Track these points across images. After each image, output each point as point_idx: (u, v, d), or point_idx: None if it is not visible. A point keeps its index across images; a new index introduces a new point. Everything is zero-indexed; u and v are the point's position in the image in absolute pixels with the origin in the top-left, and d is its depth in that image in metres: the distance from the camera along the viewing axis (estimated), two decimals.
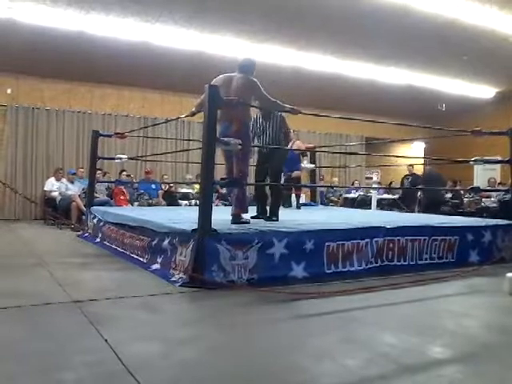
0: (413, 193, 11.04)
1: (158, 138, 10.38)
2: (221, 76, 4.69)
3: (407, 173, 11.58)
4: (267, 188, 5.69)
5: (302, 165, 7.91)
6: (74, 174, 9.38)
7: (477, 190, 7.13)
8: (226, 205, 8.83)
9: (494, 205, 9.31)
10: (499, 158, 6.74)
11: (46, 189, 9.35)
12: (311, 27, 7.80)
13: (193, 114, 5.14)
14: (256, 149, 5.72)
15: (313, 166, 8.43)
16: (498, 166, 11.55)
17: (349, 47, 8.79)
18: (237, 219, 4.63)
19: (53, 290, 3.50)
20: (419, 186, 10.23)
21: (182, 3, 6.95)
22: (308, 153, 8.23)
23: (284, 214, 5.86)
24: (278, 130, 5.44)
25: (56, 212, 8.72)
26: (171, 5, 6.98)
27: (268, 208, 5.40)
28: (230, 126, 4.53)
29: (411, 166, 11.40)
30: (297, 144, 7.78)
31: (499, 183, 10.80)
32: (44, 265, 4.58)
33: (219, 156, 4.65)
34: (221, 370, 2.16)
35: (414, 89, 11.09)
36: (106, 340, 2.40)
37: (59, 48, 8.36)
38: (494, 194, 9.62)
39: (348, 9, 7.01)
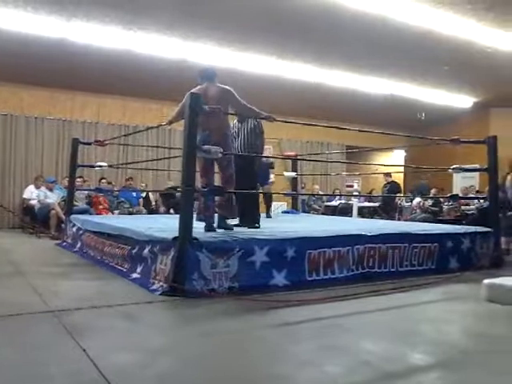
0: (392, 200, 11.19)
1: (139, 146, 10.31)
2: (195, 88, 4.66)
3: (385, 182, 11.77)
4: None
5: (272, 177, 7.71)
6: (54, 182, 9.25)
7: (456, 197, 7.23)
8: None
9: (473, 212, 9.44)
10: (477, 167, 6.84)
11: (25, 196, 9.20)
12: (292, 36, 7.85)
13: (170, 123, 5.14)
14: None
15: (294, 173, 8.46)
16: (477, 174, 11.74)
17: (329, 57, 8.87)
18: (223, 224, 4.66)
19: (30, 300, 3.45)
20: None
21: (163, 11, 6.93)
22: (273, 165, 7.98)
23: (266, 222, 5.87)
24: (250, 132, 5.40)
25: (35, 220, 8.58)
26: (153, 12, 6.97)
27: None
28: (209, 136, 4.50)
29: (388, 174, 11.55)
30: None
31: (477, 191, 10.96)
32: (22, 274, 4.51)
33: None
34: (201, 379, 2.14)
35: (394, 98, 11.23)
36: (84, 350, 2.36)
37: (40, 55, 8.27)
38: (473, 201, 9.75)
39: (328, 18, 7.07)
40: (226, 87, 4.69)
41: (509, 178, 6.77)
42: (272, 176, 7.74)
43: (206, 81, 4.72)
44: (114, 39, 7.80)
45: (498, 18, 7.10)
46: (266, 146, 6.36)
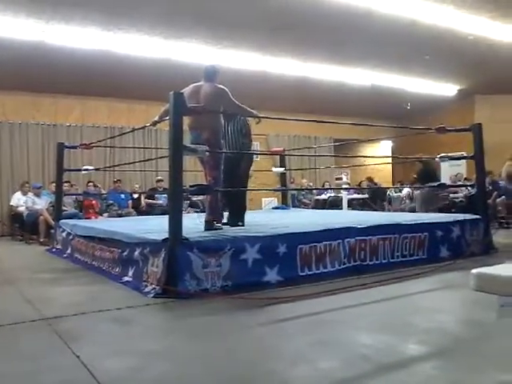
0: (382, 191, 11.27)
1: (125, 147, 10.24)
2: (189, 86, 4.69)
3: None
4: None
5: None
6: (40, 187, 9.16)
7: (443, 186, 7.27)
8: (197, 212, 8.77)
9: (462, 200, 9.50)
10: (464, 154, 6.88)
11: (12, 204, 9.12)
12: (276, 32, 7.83)
13: (155, 124, 5.12)
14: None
15: (282, 169, 8.45)
16: (464, 162, 11.80)
17: (314, 50, 8.86)
18: (210, 226, 4.60)
19: (22, 308, 3.41)
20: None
21: (143, 10, 6.88)
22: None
23: (256, 218, 5.86)
24: (237, 131, 5.36)
25: (23, 227, 8.50)
26: (133, 13, 6.91)
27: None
28: (200, 135, 4.53)
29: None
30: None
31: (465, 178, 11.03)
32: (12, 282, 4.46)
33: (194, 164, 4.61)
34: (197, 381, 2.13)
35: (379, 89, 11.25)
36: (78, 357, 2.34)
37: (20, 59, 8.18)
38: (461, 189, 9.81)
39: (312, 12, 7.06)
40: (221, 87, 4.71)
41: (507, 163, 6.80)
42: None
43: (204, 79, 4.75)
44: (95, 41, 7.73)
45: (475, 4, 7.12)
46: (253, 143, 6.33)
